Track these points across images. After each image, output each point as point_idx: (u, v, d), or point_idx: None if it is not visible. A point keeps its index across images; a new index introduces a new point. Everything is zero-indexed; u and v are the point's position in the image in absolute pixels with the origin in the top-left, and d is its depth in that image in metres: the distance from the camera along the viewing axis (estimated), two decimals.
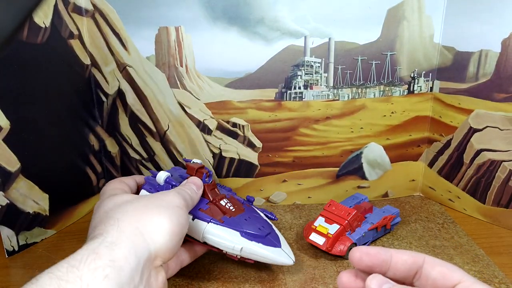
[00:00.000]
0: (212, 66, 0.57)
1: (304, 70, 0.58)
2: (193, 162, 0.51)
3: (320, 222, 0.52)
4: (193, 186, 0.45)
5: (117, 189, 0.45)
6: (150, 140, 0.61)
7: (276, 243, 0.45)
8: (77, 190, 0.60)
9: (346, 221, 0.51)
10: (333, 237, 0.50)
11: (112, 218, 0.36)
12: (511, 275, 0.48)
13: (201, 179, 0.47)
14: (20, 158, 0.51)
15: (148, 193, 0.47)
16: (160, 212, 0.38)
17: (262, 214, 0.50)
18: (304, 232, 0.54)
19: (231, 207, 0.47)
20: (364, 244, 0.52)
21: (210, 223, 0.44)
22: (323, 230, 0.51)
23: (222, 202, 0.47)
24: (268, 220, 0.49)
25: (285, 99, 0.59)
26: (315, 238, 0.51)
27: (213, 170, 0.62)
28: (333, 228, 0.51)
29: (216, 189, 0.48)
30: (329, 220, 0.52)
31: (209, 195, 0.47)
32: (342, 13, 0.56)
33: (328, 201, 0.54)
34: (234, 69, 0.58)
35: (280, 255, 0.45)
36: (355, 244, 0.51)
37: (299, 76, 0.58)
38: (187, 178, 0.48)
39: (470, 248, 0.53)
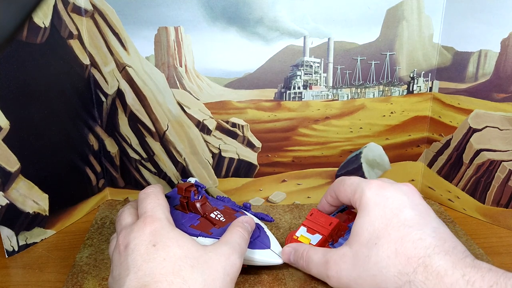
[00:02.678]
0: (212, 66, 0.58)
1: (303, 70, 0.58)
2: (188, 180, 0.52)
3: (302, 232, 0.49)
4: (242, 232, 0.44)
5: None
6: (149, 140, 0.61)
7: (264, 245, 0.46)
8: (76, 190, 0.60)
9: (329, 231, 0.48)
10: None
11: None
12: None
13: (190, 197, 0.48)
14: (20, 158, 0.51)
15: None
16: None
17: (255, 218, 0.50)
18: (286, 242, 0.50)
19: (222, 218, 0.48)
20: None
21: (199, 238, 0.45)
22: (304, 241, 0.48)
23: (212, 215, 0.48)
24: (261, 223, 0.50)
25: (284, 99, 0.59)
26: None
27: (212, 172, 0.62)
28: (315, 239, 0.48)
29: (207, 203, 0.50)
30: (311, 230, 0.49)
31: (200, 210, 0.49)
32: (341, 13, 0.56)
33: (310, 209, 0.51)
34: (233, 69, 0.58)
35: (269, 256, 0.46)
36: None
37: (298, 76, 0.58)
38: (180, 197, 0.49)
39: (470, 248, 0.52)
